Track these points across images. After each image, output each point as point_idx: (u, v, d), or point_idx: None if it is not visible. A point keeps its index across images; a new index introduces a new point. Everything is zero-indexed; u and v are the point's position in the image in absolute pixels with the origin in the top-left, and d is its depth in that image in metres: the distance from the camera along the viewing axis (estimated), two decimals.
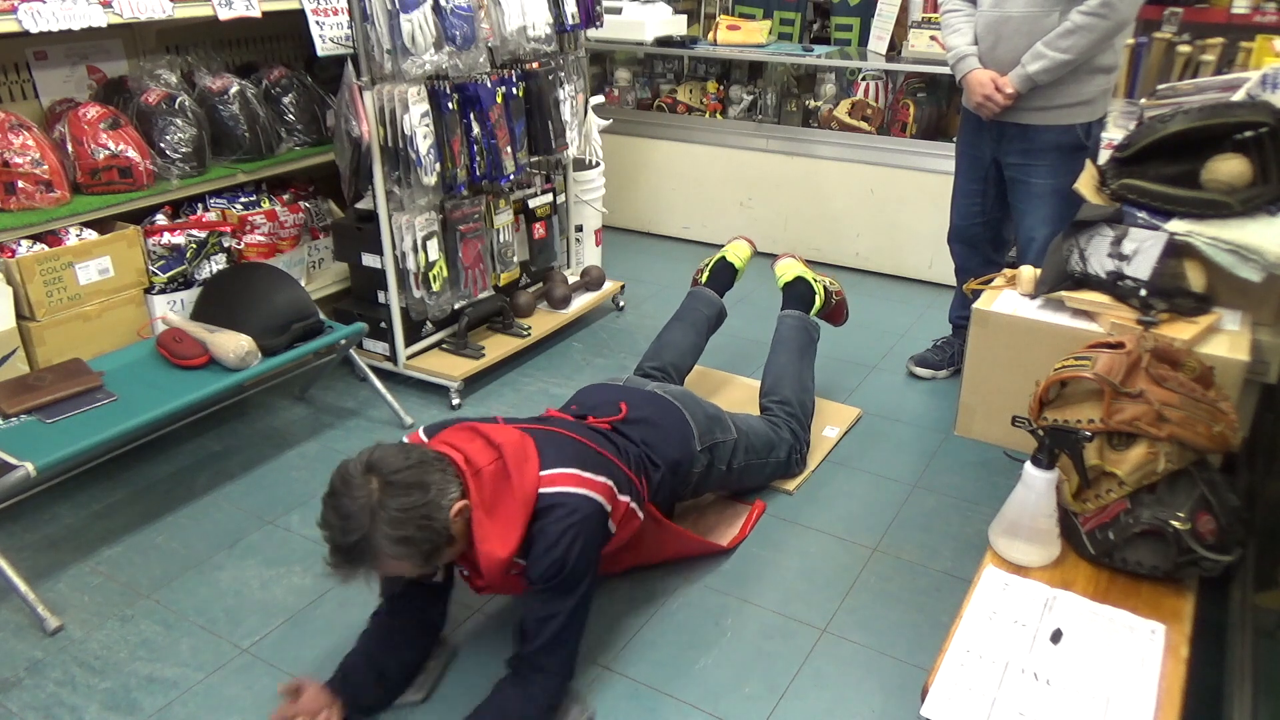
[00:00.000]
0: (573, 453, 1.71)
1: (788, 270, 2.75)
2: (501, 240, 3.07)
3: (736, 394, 2.85)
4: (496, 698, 1.64)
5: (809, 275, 2.72)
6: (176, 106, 2.58)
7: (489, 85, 2.71)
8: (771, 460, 2.31)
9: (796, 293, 2.70)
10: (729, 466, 2.15)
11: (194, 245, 2.57)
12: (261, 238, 2.80)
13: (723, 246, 2.88)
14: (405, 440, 1.73)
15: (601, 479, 1.69)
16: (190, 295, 2.57)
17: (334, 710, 1.66)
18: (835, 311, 2.78)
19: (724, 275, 2.80)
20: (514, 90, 2.84)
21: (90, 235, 2.40)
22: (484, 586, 1.71)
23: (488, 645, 1.91)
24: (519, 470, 1.61)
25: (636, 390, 2.13)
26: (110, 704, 1.77)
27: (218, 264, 2.63)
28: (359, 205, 2.80)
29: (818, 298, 2.69)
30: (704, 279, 2.80)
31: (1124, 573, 1.67)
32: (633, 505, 1.79)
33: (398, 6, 2.44)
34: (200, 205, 2.73)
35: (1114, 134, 2.73)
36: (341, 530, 1.48)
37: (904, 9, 3.79)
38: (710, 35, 4.08)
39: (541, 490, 1.62)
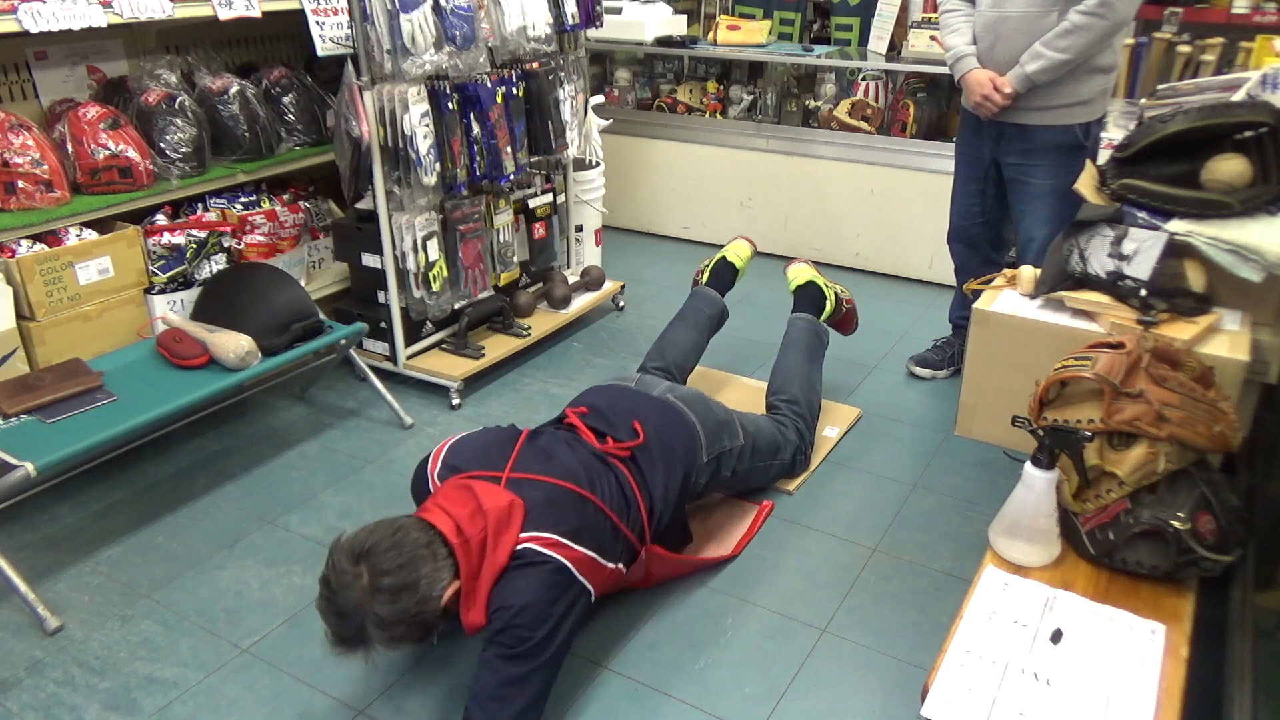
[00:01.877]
0: (568, 519, 1.68)
1: (800, 275, 2.75)
2: (501, 240, 3.07)
3: (738, 394, 2.85)
4: None
5: (821, 281, 2.72)
6: (176, 106, 2.58)
7: (489, 85, 2.71)
8: (776, 462, 2.31)
9: (808, 296, 2.70)
10: (734, 472, 2.15)
11: (194, 245, 2.57)
12: (261, 238, 2.80)
13: (723, 246, 2.88)
14: (427, 463, 1.81)
15: (585, 550, 1.67)
16: (190, 295, 2.57)
17: None
18: (845, 320, 2.78)
19: (725, 275, 2.80)
20: (514, 90, 2.84)
21: (90, 235, 2.40)
22: (471, 633, 1.68)
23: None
24: (495, 540, 1.60)
25: (648, 398, 2.10)
26: (110, 704, 1.77)
27: (218, 264, 2.63)
28: (359, 205, 2.80)
29: (829, 304, 2.69)
30: (705, 279, 2.80)
31: (1124, 573, 1.67)
32: (620, 567, 1.79)
33: (398, 6, 2.44)
34: (200, 205, 2.73)
35: (1114, 134, 2.73)
36: (338, 625, 1.53)
37: (904, 9, 3.80)
38: (710, 35, 4.08)
39: (517, 548, 1.61)
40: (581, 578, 1.65)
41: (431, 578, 1.54)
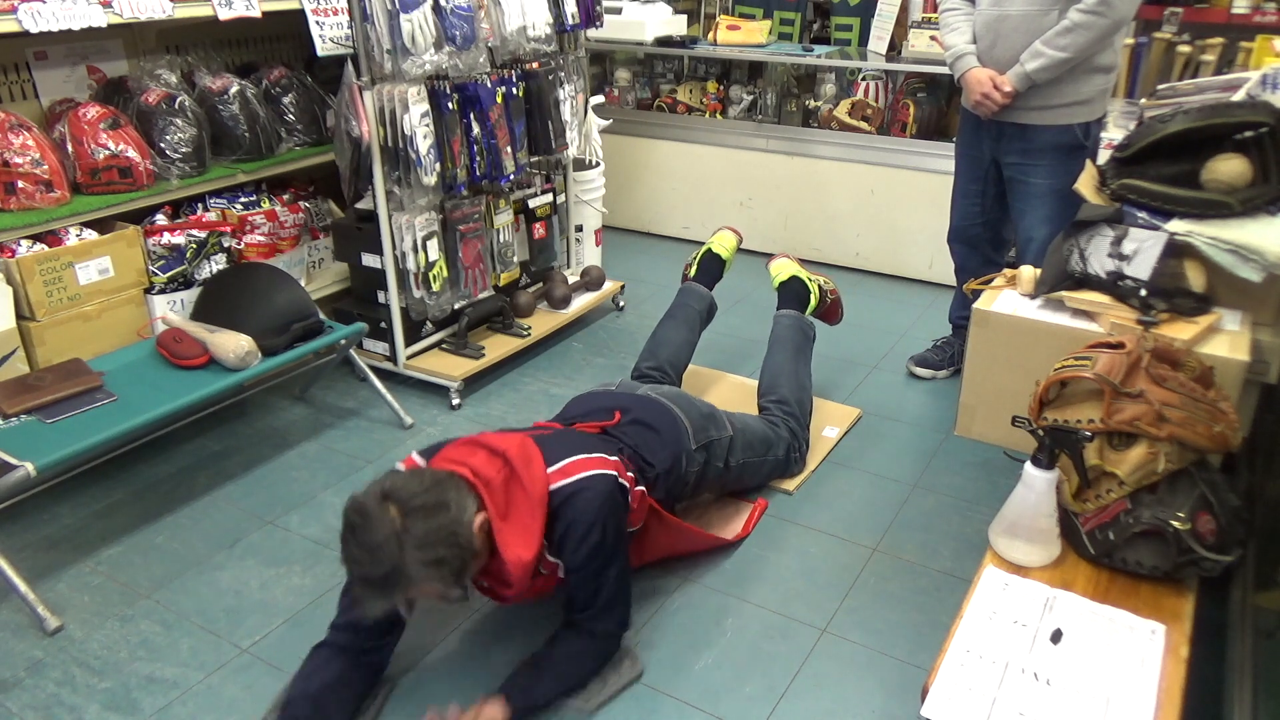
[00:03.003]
0: (573, 444, 1.74)
1: (782, 270, 2.75)
2: (501, 240, 3.07)
3: (732, 393, 2.85)
4: (557, 649, 1.71)
5: (804, 274, 2.73)
6: (176, 106, 2.58)
7: (489, 85, 2.71)
8: (770, 458, 2.31)
9: (791, 291, 2.70)
10: (726, 464, 2.15)
11: (194, 245, 2.57)
12: (261, 238, 2.80)
13: (708, 239, 2.88)
14: (400, 466, 1.72)
15: (608, 456, 1.73)
16: (190, 295, 2.57)
17: None
18: (830, 310, 2.79)
19: (712, 267, 2.81)
20: (514, 90, 2.84)
21: (90, 235, 2.40)
22: (513, 595, 1.71)
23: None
24: (527, 472, 1.62)
25: (627, 395, 2.13)
26: (110, 704, 1.77)
27: (218, 264, 2.63)
28: (359, 205, 2.80)
29: (813, 297, 2.69)
30: (693, 273, 2.80)
31: (1124, 573, 1.67)
32: (642, 489, 1.83)
33: (398, 6, 2.44)
34: (200, 205, 2.73)
35: (1114, 134, 2.73)
36: (371, 562, 1.46)
37: (904, 9, 3.79)
38: (710, 35, 4.08)
39: (553, 487, 1.64)
40: (620, 479, 1.72)
41: (460, 502, 1.52)
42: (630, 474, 1.79)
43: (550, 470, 1.65)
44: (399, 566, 1.45)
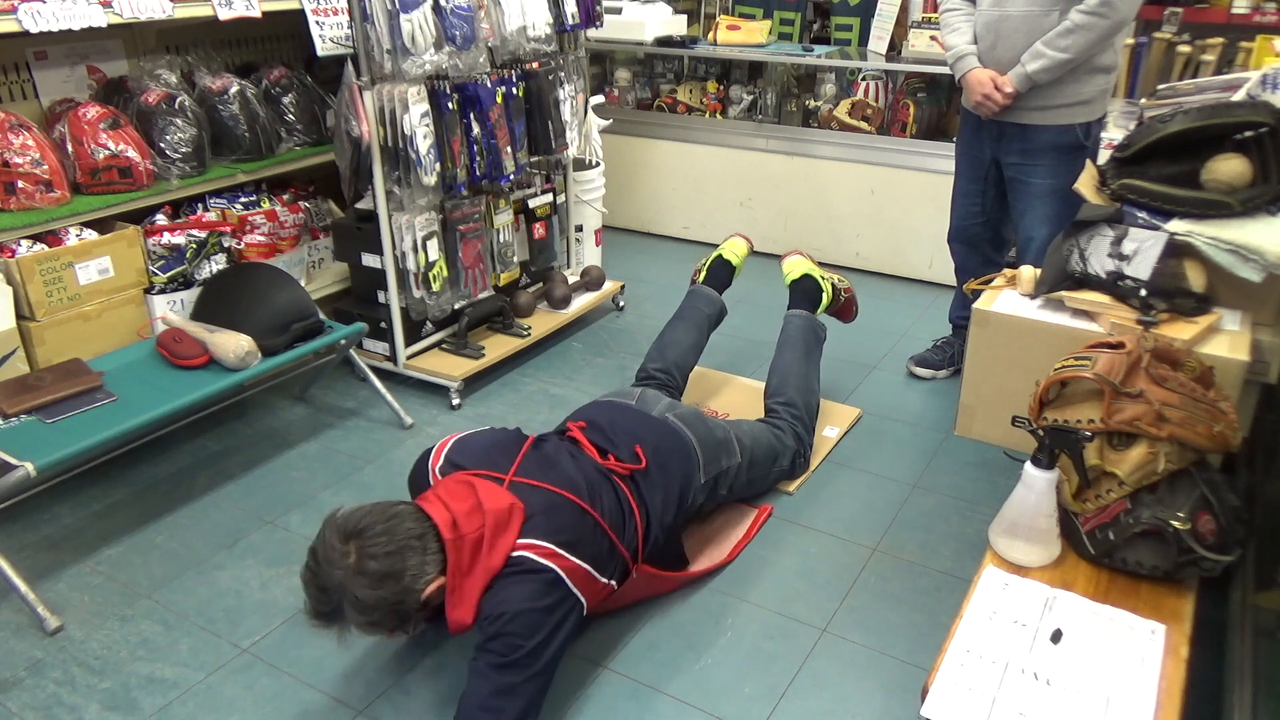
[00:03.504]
0: (566, 529, 1.68)
1: (795, 268, 2.73)
2: (501, 240, 3.07)
3: (738, 395, 2.85)
4: None
5: (817, 273, 2.71)
6: (176, 106, 2.58)
7: (489, 85, 2.71)
8: (775, 470, 2.31)
9: (803, 290, 2.69)
10: (731, 488, 2.15)
11: (194, 245, 2.57)
12: (261, 238, 2.80)
13: (719, 245, 2.88)
14: (430, 456, 1.81)
15: (580, 563, 1.66)
16: (190, 295, 2.57)
17: None
18: (844, 308, 2.77)
19: (722, 273, 2.80)
20: (514, 90, 2.84)
21: (90, 235, 2.40)
22: (455, 633, 1.68)
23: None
24: (493, 540, 1.60)
25: (647, 418, 2.08)
26: (110, 704, 1.77)
27: (218, 264, 2.63)
28: (359, 205, 2.80)
29: (825, 295, 2.67)
30: (702, 278, 2.80)
31: (1124, 573, 1.67)
32: (612, 583, 1.78)
33: (398, 6, 2.44)
34: (200, 205, 2.73)
35: (1114, 134, 2.74)
36: (316, 599, 1.54)
37: (904, 9, 3.79)
38: (710, 35, 4.08)
39: (512, 554, 1.60)
40: (575, 590, 1.64)
41: (417, 570, 1.54)
42: (604, 580, 1.73)
43: (521, 541, 1.62)
44: (337, 611, 1.53)
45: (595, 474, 1.84)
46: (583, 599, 1.66)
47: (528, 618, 1.55)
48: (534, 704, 1.57)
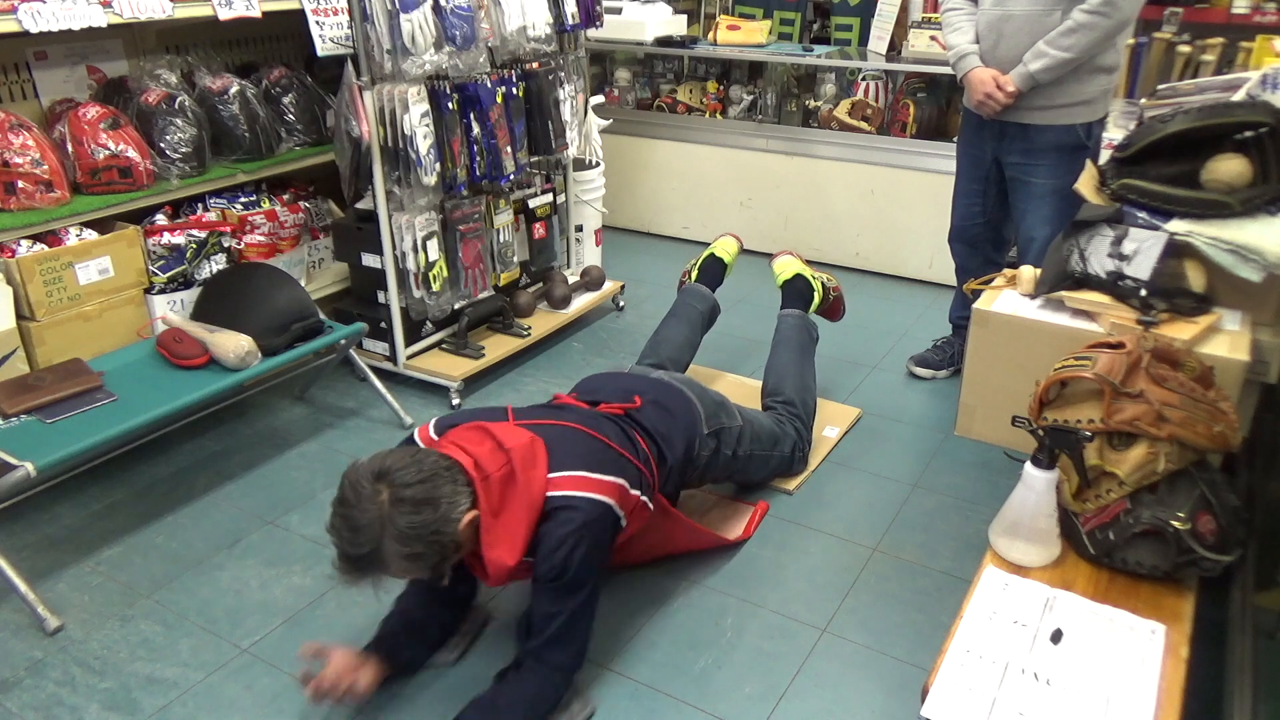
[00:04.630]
0: (584, 452, 1.71)
1: (786, 268, 2.75)
2: (501, 240, 3.07)
3: (733, 393, 2.82)
4: (501, 687, 1.66)
5: (807, 272, 2.73)
6: (176, 106, 2.58)
7: (489, 85, 2.71)
8: (776, 454, 2.31)
9: (795, 290, 2.70)
10: (735, 453, 2.15)
11: (194, 245, 2.57)
12: (261, 238, 2.80)
13: (710, 244, 2.88)
14: (415, 436, 1.75)
15: (612, 479, 1.69)
16: (190, 295, 2.57)
17: (366, 670, 1.68)
18: (833, 308, 2.80)
19: (714, 270, 2.81)
20: (514, 90, 2.84)
21: (90, 235, 2.40)
22: (494, 583, 1.70)
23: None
24: (526, 475, 1.61)
25: (643, 377, 2.14)
26: (110, 704, 1.77)
27: (218, 264, 2.63)
28: (359, 205, 2.80)
29: (816, 294, 2.69)
30: (694, 277, 2.80)
31: (1124, 573, 1.67)
32: (643, 499, 1.80)
33: (398, 6, 2.44)
34: (200, 205, 2.73)
35: (1114, 134, 2.73)
36: (351, 542, 1.48)
37: (904, 9, 3.79)
38: (710, 35, 4.08)
39: (549, 494, 1.62)
40: (616, 508, 1.68)
41: (451, 498, 1.52)
42: (635, 492, 1.75)
43: (552, 476, 1.64)
44: (377, 550, 1.48)
45: (590, 416, 1.88)
46: (622, 515, 1.70)
47: (584, 558, 1.60)
48: (593, 615, 1.69)
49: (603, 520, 1.65)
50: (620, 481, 1.70)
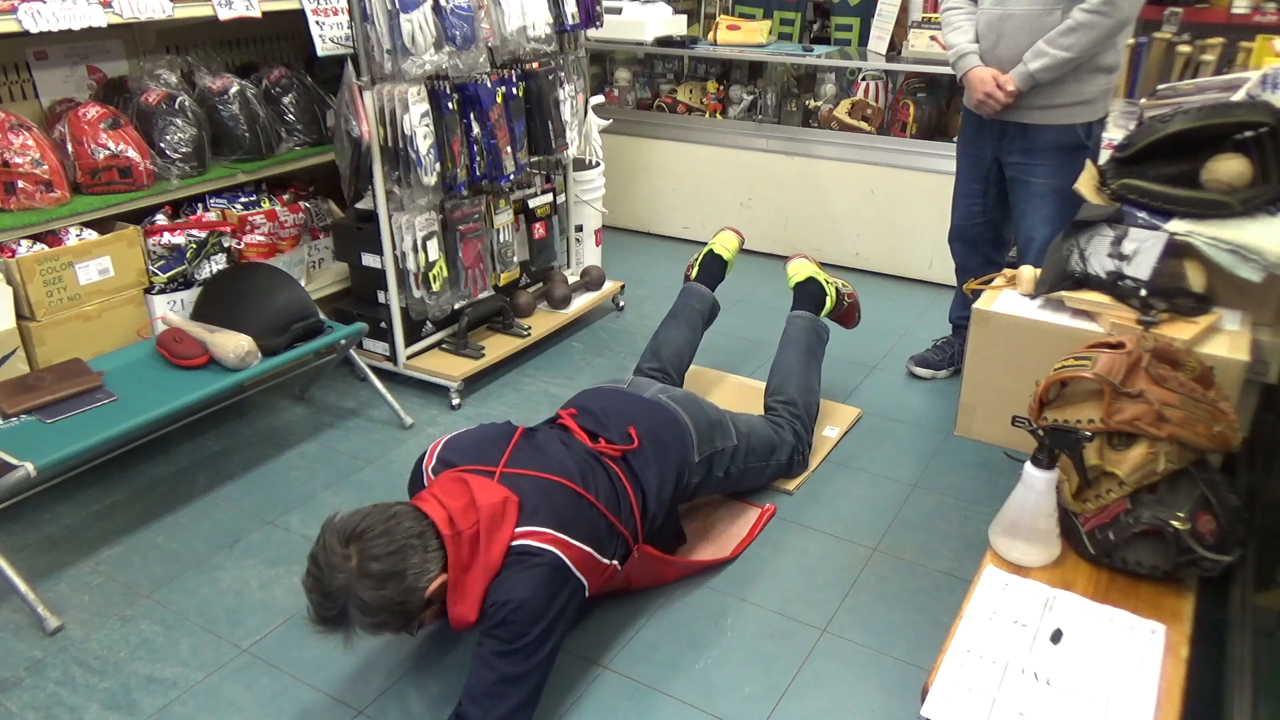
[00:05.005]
0: (562, 513, 1.69)
1: (800, 270, 2.73)
2: (501, 240, 3.07)
3: (734, 394, 2.85)
4: None
5: (821, 276, 2.71)
6: (176, 106, 2.58)
7: (489, 85, 2.71)
8: (773, 463, 2.30)
9: (807, 293, 2.68)
10: (726, 473, 2.15)
11: (194, 245, 2.57)
12: (261, 238, 2.80)
13: (710, 240, 2.87)
14: (423, 457, 1.81)
15: (582, 546, 1.67)
16: (190, 295, 2.57)
17: None
18: (847, 314, 2.77)
19: (714, 268, 2.80)
20: (514, 90, 2.84)
21: (90, 235, 2.40)
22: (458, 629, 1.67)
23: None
24: (489, 537, 1.60)
25: (640, 400, 2.10)
26: (110, 704, 1.77)
27: (218, 264, 2.63)
28: (359, 205, 2.80)
29: (829, 299, 2.67)
30: (694, 274, 2.80)
31: (1124, 573, 1.67)
32: (615, 564, 1.79)
33: (398, 6, 2.44)
34: (200, 205, 2.73)
35: (1114, 134, 2.73)
36: (320, 605, 1.53)
37: (904, 9, 3.79)
38: (710, 35, 4.08)
39: (513, 544, 1.61)
40: (578, 573, 1.65)
41: (420, 569, 1.54)
42: (606, 560, 1.74)
43: (521, 529, 1.63)
44: (343, 614, 1.52)
45: (587, 458, 1.86)
46: (584, 581, 1.68)
47: (531, 606, 1.56)
48: (536, 690, 1.59)
49: (564, 577, 1.63)
50: (589, 551, 1.69)
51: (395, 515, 1.58)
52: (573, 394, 2.20)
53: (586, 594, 1.70)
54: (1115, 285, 2.20)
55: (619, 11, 4.07)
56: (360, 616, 1.52)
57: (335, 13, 2.63)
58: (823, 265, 2.78)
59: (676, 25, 4.19)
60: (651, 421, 2.02)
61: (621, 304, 3.61)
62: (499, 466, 1.74)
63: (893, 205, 3.76)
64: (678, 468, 1.99)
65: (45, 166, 2.32)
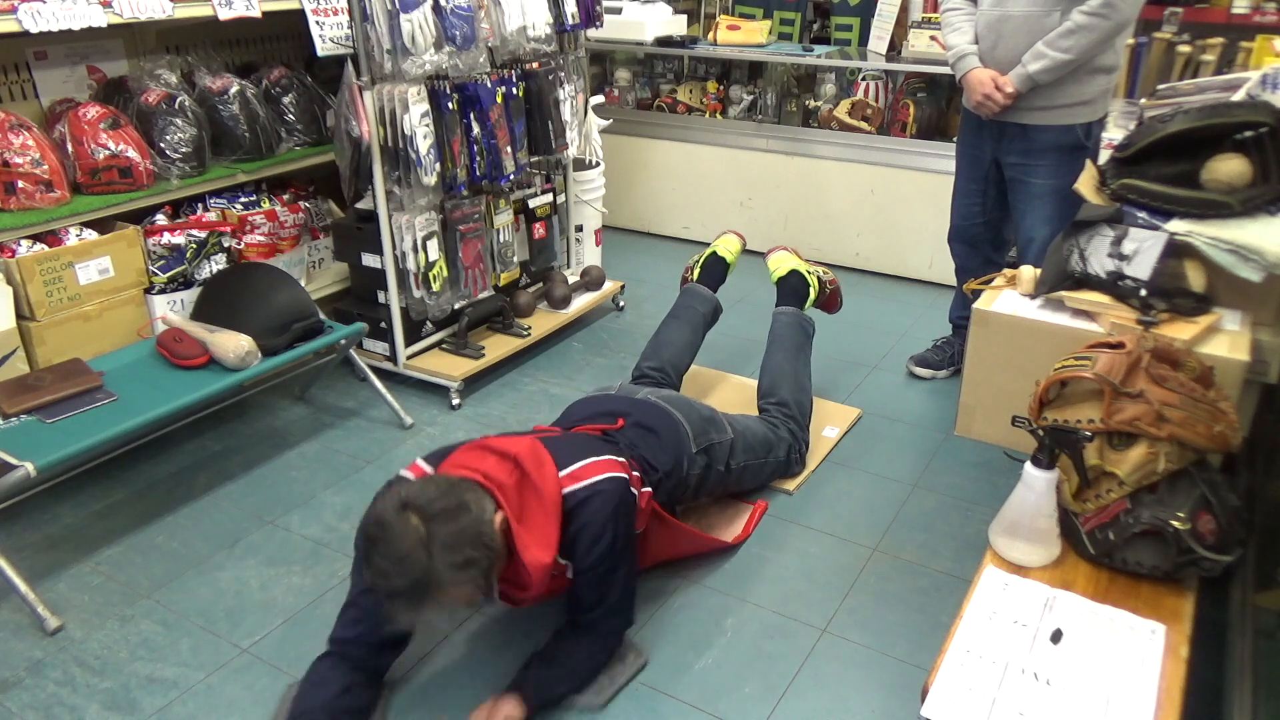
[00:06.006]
0: (580, 448, 1.75)
1: (781, 264, 2.74)
2: (501, 240, 3.07)
3: (733, 394, 2.85)
4: (565, 647, 1.72)
5: (803, 268, 2.72)
6: (176, 106, 2.58)
7: (489, 85, 2.71)
8: (770, 460, 2.31)
9: (790, 286, 2.70)
10: (728, 467, 2.15)
11: (194, 245, 2.57)
12: (261, 238, 2.80)
13: (712, 242, 2.87)
14: (406, 473, 1.71)
15: (616, 458, 1.75)
16: (190, 295, 2.57)
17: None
18: (830, 300, 2.79)
19: (716, 270, 2.80)
20: (514, 90, 2.84)
21: (90, 235, 2.40)
22: (528, 598, 1.66)
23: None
24: (539, 474, 1.61)
25: (626, 399, 2.13)
26: (110, 704, 1.77)
27: (218, 264, 2.63)
28: (359, 205, 2.80)
29: (812, 289, 2.69)
30: (696, 276, 2.80)
31: (1124, 573, 1.67)
32: (648, 489, 1.84)
33: (398, 6, 2.44)
34: (200, 205, 2.73)
35: (1114, 134, 2.73)
36: (399, 573, 1.42)
37: (904, 9, 3.79)
38: (710, 35, 4.08)
39: (565, 491, 1.64)
40: (628, 479, 1.73)
41: (479, 504, 1.52)
42: (637, 474, 1.80)
43: (562, 474, 1.66)
44: (429, 572, 1.43)
45: (573, 435, 1.91)
46: (635, 491, 1.74)
47: (612, 533, 1.65)
48: (632, 584, 1.77)
49: (625, 494, 1.70)
50: (623, 459, 1.77)
51: (428, 477, 1.57)
52: (573, 394, 2.22)
53: (639, 501, 1.77)
54: (1115, 285, 2.20)
55: (619, 11, 4.07)
56: (446, 559, 1.42)
57: (335, 13, 2.63)
58: (811, 261, 2.78)
59: (676, 25, 4.19)
60: (641, 415, 2.04)
61: (621, 304, 3.61)
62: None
63: (892, 205, 3.76)
64: (673, 453, 2.00)
65: (45, 166, 2.32)
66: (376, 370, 2.78)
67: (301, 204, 2.94)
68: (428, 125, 2.58)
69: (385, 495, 1.53)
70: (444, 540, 1.43)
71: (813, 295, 2.69)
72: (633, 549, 1.75)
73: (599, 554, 1.64)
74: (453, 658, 1.88)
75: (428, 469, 1.70)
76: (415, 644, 1.88)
